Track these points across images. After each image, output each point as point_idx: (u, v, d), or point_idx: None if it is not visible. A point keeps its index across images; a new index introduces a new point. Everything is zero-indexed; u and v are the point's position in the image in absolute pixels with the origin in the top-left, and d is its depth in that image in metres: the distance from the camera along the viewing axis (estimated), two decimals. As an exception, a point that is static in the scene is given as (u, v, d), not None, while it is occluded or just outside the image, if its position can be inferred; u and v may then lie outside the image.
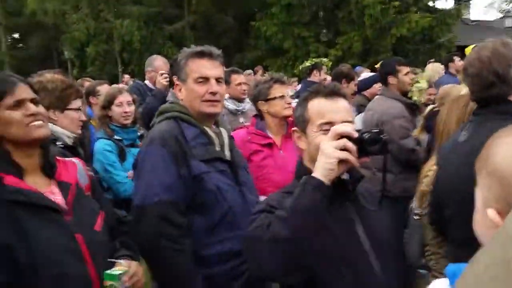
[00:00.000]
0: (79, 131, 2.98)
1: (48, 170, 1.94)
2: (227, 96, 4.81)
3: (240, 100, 5.17)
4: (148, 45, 27.16)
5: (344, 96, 1.91)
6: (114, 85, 4.62)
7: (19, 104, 1.82)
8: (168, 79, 4.77)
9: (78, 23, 27.73)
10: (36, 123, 1.84)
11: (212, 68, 2.49)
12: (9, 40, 35.70)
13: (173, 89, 4.58)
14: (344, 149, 1.62)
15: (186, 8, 27.28)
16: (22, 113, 1.82)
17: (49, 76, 2.89)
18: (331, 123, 1.76)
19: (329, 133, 1.67)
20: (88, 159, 3.37)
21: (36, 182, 1.87)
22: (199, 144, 2.42)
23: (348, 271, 1.73)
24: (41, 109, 1.90)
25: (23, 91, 1.86)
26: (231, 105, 5.05)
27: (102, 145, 3.83)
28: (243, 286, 2.44)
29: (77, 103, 2.93)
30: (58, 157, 2.05)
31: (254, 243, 1.66)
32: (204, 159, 2.39)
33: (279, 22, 22.85)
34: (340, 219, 1.78)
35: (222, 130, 2.63)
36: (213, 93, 2.46)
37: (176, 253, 2.26)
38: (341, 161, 1.63)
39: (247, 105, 5.06)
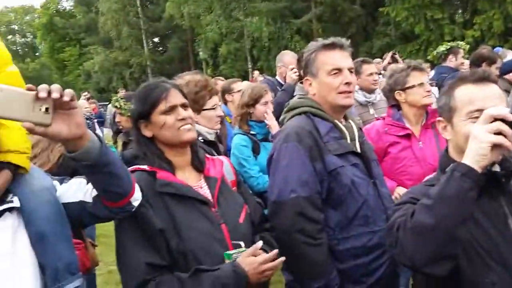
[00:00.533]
0: (218, 126, 3.11)
1: (198, 166, 2.13)
2: (357, 87, 4.72)
3: (370, 91, 5.03)
4: (276, 41, 27.66)
5: (495, 81, 1.77)
6: (256, 84, 4.70)
7: (171, 109, 2.01)
8: (297, 73, 4.81)
9: (212, 24, 29.14)
10: (186, 126, 2.03)
11: (344, 59, 2.47)
12: (150, 44, 38.70)
13: (301, 83, 4.67)
14: (498, 133, 1.49)
15: (313, 0, 27.20)
16: (174, 118, 2.01)
17: (185, 80, 3.00)
18: (481, 111, 1.61)
19: (482, 116, 1.54)
20: (225, 154, 3.54)
21: (187, 177, 2.07)
22: (332, 139, 2.41)
23: (497, 266, 1.62)
24: (190, 113, 2.08)
25: (175, 97, 2.04)
26: (361, 96, 4.93)
27: (238, 140, 3.99)
28: (376, 282, 2.40)
29: (212, 102, 3.02)
30: (207, 155, 2.22)
31: (398, 231, 1.60)
32: (338, 153, 2.38)
33: (410, 6, 21.80)
34: (491, 212, 1.66)
35: (352, 123, 2.60)
36: (348, 84, 2.44)
37: (313, 248, 2.28)
38: (495, 146, 1.49)
39: (378, 96, 4.91)
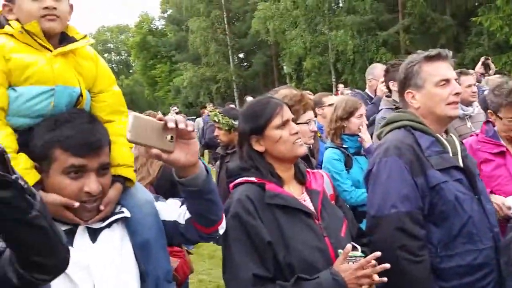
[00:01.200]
0: (312, 141, 3.14)
1: (300, 178, 2.18)
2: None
3: (468, 104, 4.81)
4: (361, 54, 27.31)
5: None
6: (350, 97, 4.66)
7: (285, 124, 2.08)
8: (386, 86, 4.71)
9: (296, 39, 29.37)
10: (299, 141, 2.09)
11: (450, 70, 2.43)
12: (236, 60, 39.71)
13: (386, 97, 4.57)
14: None
15: (400, 12, 26.59)
16: (288, 132, 2.07)
17: (280, 94, 3.03)
18: None
19: None
20: (316, 168, 3.56)
21: (291, 190, 2.12)
22: (434, 153, 2.34)
23: None
24: (298, 128, 2.15)
25: (287, 112, 2.12)
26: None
27: (330, 154, 3.99)
28: None
29: (306, 116, 3.04)
30: (307, 169, 2.26)
31: None
32: (441, 168, 2.31)
33: (505, 15, 20.63)
34: None
35: (454, 136, 2.52)
36: (457, 94, 2.39)
37: (415, 265, 2.22)
38: None
39: (476, 108, 4.68)
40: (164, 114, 18.75)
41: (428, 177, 2.28)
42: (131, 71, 57.92)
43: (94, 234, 1.65)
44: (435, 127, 2.43)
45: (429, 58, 2.43)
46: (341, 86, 16.42)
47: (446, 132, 2.53)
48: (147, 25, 50.19)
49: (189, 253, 3.50)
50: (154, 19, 51.96)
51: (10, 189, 1.03)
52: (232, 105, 6.71)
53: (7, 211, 1.05)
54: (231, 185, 2.12)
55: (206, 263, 6.79)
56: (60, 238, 1.23)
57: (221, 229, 1.80)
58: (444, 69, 2.41)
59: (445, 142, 2.42)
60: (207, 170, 1.67)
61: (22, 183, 1.06)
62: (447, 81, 2.38)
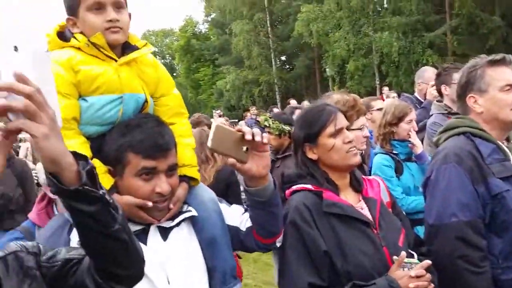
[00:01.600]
0: (364, 147, 3.09)
1: (356, 186, 2.15)
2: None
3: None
4: (407, 55, 26.81)
5: None
6: (399, 102, 4.56)
7: (338, 132, 2.06)
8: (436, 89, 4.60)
9: (340, 41, 29.12)
10: (353, 150, 2.07)
11: None
12: (278, 63, 39.74)
13: (437, 101, 4.45)
14: None
15: (448, 12, 25.94)
16: (342, 141, 2.06)
17: (333, 99, 3.00)
18: None
19: None
20: (367, 174, 3.51)
21: (347, 198, 2.09)
22: (495, 160, 2.27)
23: None
24: (353, 136, 2.13)
25: (341, 120, 2.10)
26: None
27: (380, 160, 3.93)
28: None
29: (360, 122, 3.00)
30: (363, 176, 2.23)
31: None
32: (503, 176, 2.24)
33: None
34: None
35: None
36: None
37: (475, 276, 2.16)
38: None
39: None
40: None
41: (490, 185, 2.21)
42: (174, 74, 58.85)
43: (165, 233, 1.72)
44: (496, 134, 2.36)
45: (493, 63, 2.37)
46: (386, 89, 16.19)
47: (507, 139, 2.45)
48: (191, 29, 50.90)
49: (238, 257, 3.53)
50: (198, 22, 52.70)
51: (98, 203, 1.10)
52: (276, 109, 6.71)
53: (93, 224, 1.12)
54: (288, 191, 2.11)
55: (251, 267, 6.85)
56: (138, 250, 1.28)
57: (278, 242, 1.88)
58: (509, 74, 2.35)
59: (507, 149, 2.35)
60: (275, 184, 1.74)
61: (108, 198, 1.12)
62: (511, 86, 2.32)
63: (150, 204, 1.64)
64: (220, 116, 16.43)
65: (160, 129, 1.70)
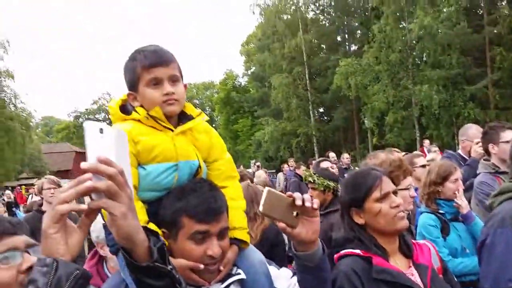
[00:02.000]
0: (411, 207, 3.05)
1: (406, 252, 2.12)
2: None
3: None
4: (447, 108, 26.52)
5: None
6: (445, 161, 4.48)
7: (385, 196, 2.06)
8: (482, 147, 4.53)
9: (378, 94, 29.17)
10: (400, 214, 2.05)
11: None
12: (316, 115, 39.98)
13: (484, 160, 4.37)
14: None
15: (489, 66, 25.72)
16: (388, 205, 2.05)
17: (379, 159, 2.99)
18: None
19: None
20: (414, 234, 3.44)
21: (397, 264, 2.06)
22: None
23: None
24: (400, 199, 2.10)
25: (388, 184, 2.10)
26: None
27: (426, 219, 3.83)
28: None
29: (406, 182, 2.97)
30: (413, 241, 2.19)
31: None
32: None
33: None
34: None
35: None
36: None
37: None
38: None
39: None
40: (245, 167, 19.11)
41: None
42: (214, 125, 60.07)
43: None
44: None
45: None
46: (426, 142, 15.93)
47: None
48: (231, 82, 52.22)
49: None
50: (238, 76, 54.10)
51: (166, 279, 1.16)
52: (327, 161, 6.68)
53: None
54: (336, 256, 2.10)
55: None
56: None
57: None
58: None
59: None
60: (323, 249, 1.74)
61: (175, 273, 1.18)
62: None
63: (201, 266, 1.67)
64: (258, 167, 16.48)
65: (213, 193, 1.75)
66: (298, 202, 1.64)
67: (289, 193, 1.70)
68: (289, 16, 38.72)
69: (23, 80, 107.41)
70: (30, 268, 1.20)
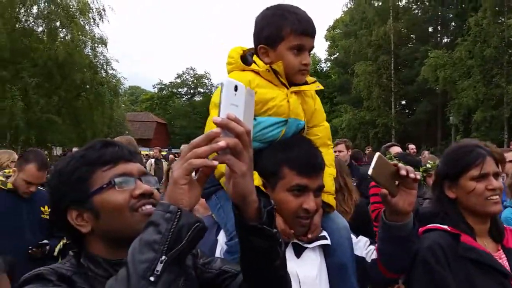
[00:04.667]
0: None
1: (496, 236, 2.06)
2: None
3: None
4: (542, 110, 24.80)
5: None
6: None
7: (483, 176, 1.99)
8: None
9: (468, 90, 27.79)
10: (494, 198, 1.98)
11: None
12: (398, 106, 38.78)
13: None
14: None
15: None
16: (484, 186, 1.98)
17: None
18: None
19: None
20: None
21: (485, 245, 2.01)
22: None
23: None
24: (501, 183, 2.02)
25: (490, 165, 2.01)
26: None
27: (508, 214, 3.78)
28: None
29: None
30: (506, 225, 2.14)
31: None
32: None
33: None
34: None
35: None
36: None
37: None
38: None
39: None
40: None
41: None
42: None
43: (299, 251, 1.83)
44: None
45: None
46: (515, 144, 15.07)
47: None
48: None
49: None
50: (320, 61, 53.49)
51: (270, 241, 1.21)
52: (397, 147, 6.57)
53: (260, 257, 1.23)
54: (421, 229, 2.06)
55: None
56: (288, 286, 1.37)
57: (401, 278, 1.90)
58: None
59: None
60: (414, 222, 1.79)
61: (278, 236, 1.23)
62: None
63: (291, 232, 1.76)
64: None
65: (315, 150, 1.82)
66: (403, 172, 1.68)
67: (394, 162, 1.75)
68: (380, 3, 37.55)
69: (114, 49, 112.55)
70: (141, 195, 1.30)
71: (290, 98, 1.87)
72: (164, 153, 19.39)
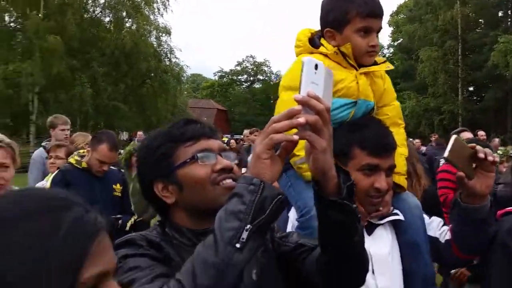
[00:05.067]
0: None
1: None
2: None
3: None
4: None
5: None
6: None
7: None
8: None
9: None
10: None
11: None
12: (465, 93, 37.24)
13: None
14: None
15: None
16: None
17: None
18: None
19: None
20: None
21: None
22: None
23: None
24: None
25: None
26: None
27: None
28: None
29: None
30: None
31: None
32: None
33: None
34: None
35: None
36: None
37: None
38: None
39: None
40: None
41: None
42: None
43: (370, 229, 1.85)
44: None
45: None
46: None
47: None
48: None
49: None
50: (383, 47, 52.17)
51: (349, 216, 1.22)
52: (468, 133, 6.34)
53: (339, 232, 1.25)
54: (499, 213, 2.02)
55: None
56: (366, 263, 1.38)
57: (475, 260, 1.88)
58: None
59: None
60: (491, 204, 1.77)
61: (357, 212, 1.25)
62: None
63: (363, 210, 1.76)
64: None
65: (385, 130, 1.81)
66: (481, 155, 1.66)
67: (472, 144, 1.72)
68: (446, -13, 36.07)
69: (177, 38, 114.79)
70: (222, 169, 1.36)
71: (359, 80, 1.88)
72: (225, 139, 19.71)
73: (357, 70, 1.90)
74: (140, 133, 15.15)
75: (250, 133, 11.64)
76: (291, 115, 1.12)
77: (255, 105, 60.09)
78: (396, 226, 1.91)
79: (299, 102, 1.12)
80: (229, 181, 1.36)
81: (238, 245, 1.08)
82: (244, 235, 1.09)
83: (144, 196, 1.49)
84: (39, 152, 5.43)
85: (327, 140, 1.15)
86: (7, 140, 2.51)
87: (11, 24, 28.29)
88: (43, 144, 5.54)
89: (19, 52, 27.14)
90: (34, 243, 0.70)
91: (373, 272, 1.76)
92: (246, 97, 64.31)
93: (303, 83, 1.14)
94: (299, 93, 1.13)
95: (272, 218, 1.14)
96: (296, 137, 1.14)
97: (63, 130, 5.42)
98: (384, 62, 2.00)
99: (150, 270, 1.22)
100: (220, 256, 1.07)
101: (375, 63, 1.96)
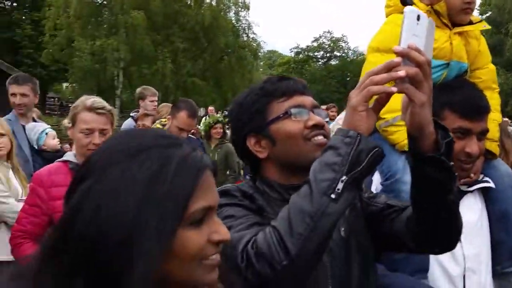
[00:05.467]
0: None
1: None
2: None
3: None
4: None
5: None
6: None
7: None
8: None
9: None
10: None
11: None
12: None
13: None
14: None
15: None
16: None
17: None
18: None
19: None
20: None
21: None
22: None
23: None
24: None
25: None
26: None
27: None
28: None
29: None
30: None
31: None
32: None
33: None
34: None
35: None
36: None
37: None
38: None
39: None
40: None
41: None
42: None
43: (458, 195, 1.82)
44: None
45: None
46: None
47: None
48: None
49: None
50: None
51: (446, 173, 1.19)
52: None
53: (435, 189, 1.21)
54: None
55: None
56: (459, 226, 1.33)
57: None
58: None
59: None
60: None
61: (454, 170, 1.20)
62: None
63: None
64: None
65: (479, 93, 1.75)
66: None
67: None
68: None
69: (255, 13, 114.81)
70: (314, 126, 1.37)
71: (453, 40, 1.84)
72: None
73: (451, 29, 1.85)
74: (211, 108, 15.47)
75: (327, 108, 11.56)
76: (390, 68, 1.10)
77: (330, 82, 59.14)
78: (485, 194, 1.86)
79: (399, 54, 1.09)
80: (320, 137, 1.37)
81: (333, 196, 1.09)
82: (340, 186, 1.09)
83: (236, 152, 1.54)
84: (128, 122, 5.74)
85: (427, 94, 1.11)
86: (108, 107, 2.65)
87: (98, 0, 29.66)
88: (131, 114, 5.86)
89: (105, 28, 28.45)
90: (147, 175, 0.78)
91: (460, 240, 1.73)
92: (322, 74, 63.41)
93: (403, 35, 1.10)
94: (399, 44, 1.10)
95: (368, 171, 1.13)
96: (394, 88, 1.11)
97: (152, 101, 5.67)
98: (480, 21, 1.93)
99: (245, 218, 1.26)
100: (316, 206, 1.09)
101: (470, 22, 1.90)
